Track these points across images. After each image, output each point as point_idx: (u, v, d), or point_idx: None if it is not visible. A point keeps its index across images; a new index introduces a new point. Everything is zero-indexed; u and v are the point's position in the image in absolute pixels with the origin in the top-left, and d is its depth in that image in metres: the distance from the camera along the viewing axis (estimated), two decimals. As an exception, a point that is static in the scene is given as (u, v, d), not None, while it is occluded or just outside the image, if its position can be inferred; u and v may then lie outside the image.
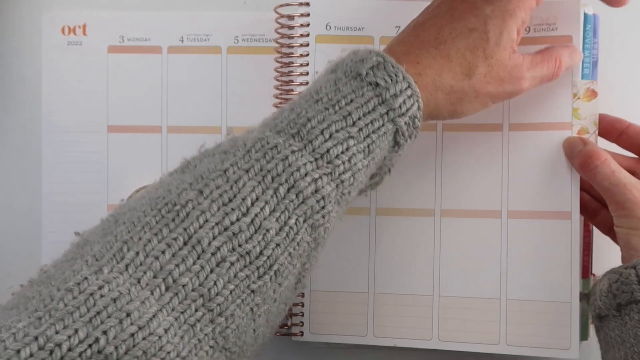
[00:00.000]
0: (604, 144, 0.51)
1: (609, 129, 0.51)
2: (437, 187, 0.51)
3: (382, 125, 0.40)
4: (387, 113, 0.40)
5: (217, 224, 0.35)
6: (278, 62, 0.54)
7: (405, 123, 0.40)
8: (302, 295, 0.53)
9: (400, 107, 0.40)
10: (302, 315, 0.53)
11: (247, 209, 0.36)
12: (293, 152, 0.38)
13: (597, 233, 0.53)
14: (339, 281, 0.52)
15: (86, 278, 0.33)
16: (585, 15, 0.51)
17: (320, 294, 0.53)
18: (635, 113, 0.55)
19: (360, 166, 0.39)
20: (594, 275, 0.52)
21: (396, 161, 0.43)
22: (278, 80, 0.54)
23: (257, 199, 0.36)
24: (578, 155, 0.47)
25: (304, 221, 0.37)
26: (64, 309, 0.32)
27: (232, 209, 0.36)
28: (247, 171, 0.37)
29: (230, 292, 0.35)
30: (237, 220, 0.36)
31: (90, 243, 0.36)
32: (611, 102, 0.54)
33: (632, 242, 0.45)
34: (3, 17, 0.58)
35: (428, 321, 0.51)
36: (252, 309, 0.37)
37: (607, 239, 0.53)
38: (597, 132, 0.50)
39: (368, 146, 0.39)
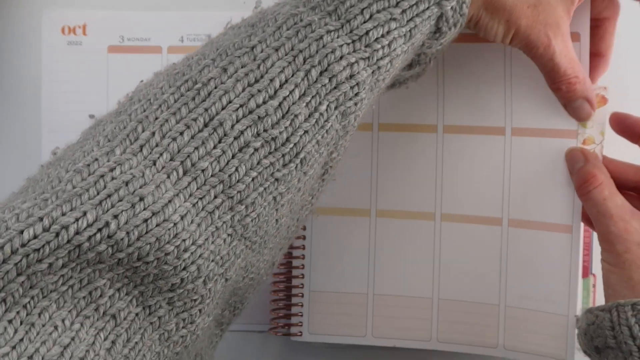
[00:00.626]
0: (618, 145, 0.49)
1: (627, 129, 0.48)
2: (437, 191, 0.50)
3: (427, 7, 0.35)
4: None
5: (241, 105, 0.33)
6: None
7: (452, 8, 0.36)
8: (302, 295, 0.53)
9: None
10: (301, 316, 0.53)
11: (275, 92, 0.33)
12: (329, 31, 0.34)
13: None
14: (338, 282, 0.52)
15: (97, 159, 0.31)
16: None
17: (319, 294, 0.53)
18: (635, 113, 0.55)
19: (400, 52, 0.36)
20: (594, 275, 0.52)
21: (437, 51, 0.40)
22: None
23: (286, 80, 0.33)
24: (576, 175, 0.44)
25: (336, 108, 0.34)
26: (72, 191, 0.30)
27: (259, 90, 0.33)
28: (276, 50, 0.34)
29: (253, 180, 0.33)
30: (264, 102, 0.33)
31: (104, 123, 0.34)
32: (611, 102, 0.54)
33: (610, 280, 0.42)
34: (3, 17, 0.58)
35: (427, 323, 0.51)
36: (274, 198, 0.34)
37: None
38: (603, 143, 0.48)
39: (410, 30, 0.35)
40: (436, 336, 0.50)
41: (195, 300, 0.33)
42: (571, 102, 0.44)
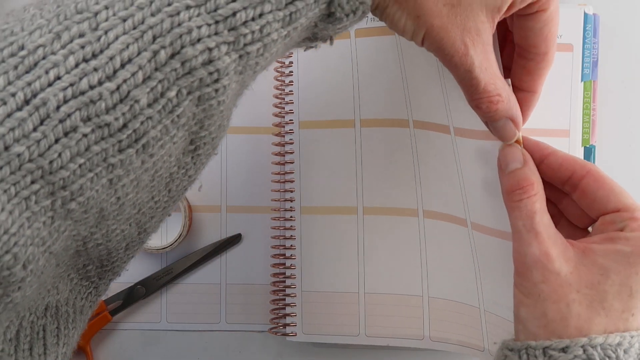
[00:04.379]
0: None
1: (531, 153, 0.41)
2: (417, 187, 0.49)
3: None
4: None
5: (71, 84, 0.28)
6: (278, 62, 0.54)
7: None
8: (295, 295, 0.53)
9: None
10: (295, 316, 0.53)
11: (114, 72, 0.29)
12: (188, 7, 0.29)
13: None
14: (330, 281, 0.52)
15: None
16: (585, 15, 0.51)
17: (312, 294, 0.52)
18: (635, 113, 0.55)
19: (276, 36, 0.31)
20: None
21: (338, 32, 0.36)
22: (278, 80, 0.54)
23: (129, 60, 0.29)
24: (509, 177, 0.38)
25: (189, 93, 0.31)
26: None
27: (95, 69, 0.28)
28: (123, 20, 0.29)
29: (80, 167, 0.29)
30: (99, 84, 0.28)
31: None
32: (611, 102, 0.54)
33: (521, 314, 0.36)
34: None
35: (419, 321, 0.50)
36: (110, 181, 0.31)
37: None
38: None
39: (290, 15, 0.31)
40: (429, 334, 0.50)
41: (13, 282, 0.30)
42: (493, 122, 0.38)
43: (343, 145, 0.51)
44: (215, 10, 0.30)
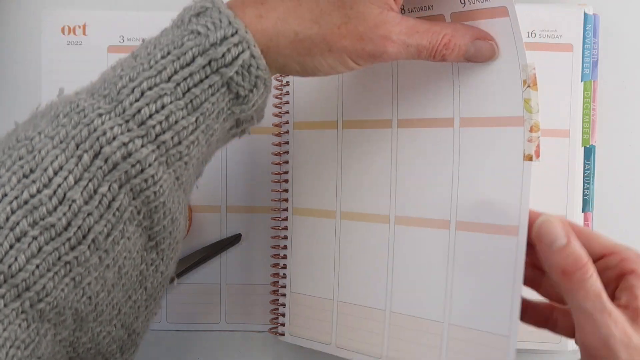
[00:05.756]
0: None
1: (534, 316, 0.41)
2: (392, 191, 0.46)
3: (206, 77, 0.36)
4: (209, 64, 0.36)
5: (16, 197, 0.33)
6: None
7: (237, 72, 0.36)
8: (284, 295, 0.53)
9: (224, 56, 0.36)
10: (284, 316, 0.53)
11: (49, 180, 0.34)
12: (100, 115, 0.35)
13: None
14: (312, 285, 0.51)
15: None
16: (585, 15, 0.51)
17: (299, 296, 0.52)
18: (635, 113, 0.55)
19: (185, 123, 0.36)
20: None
21: (259, 109, 0.40)
22: (278, 80, 0.54)
23: (60, 168, 0.34)
24: (560, 257, 0.36)
25: (120, 187, 0.35)
26: None
27: (33, 181, 0.34)
28: (52, 138, 0.35)
29: (37, 267, 0.33)
30: (38, 192, 0.34)
31: None
32: (611, 102, 0.54)
33: None
34: (3, 17, 0.58)
35: (379, 337, 0.46)
36: (73, 280, 0.35)
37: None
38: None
39: (191, 101, 0.36)
40: (386, 354, 0.46)
41: None
42: (462, 55, 0.40)
43: (328, 148, 0.50)
44: (124, 112, 0.35)
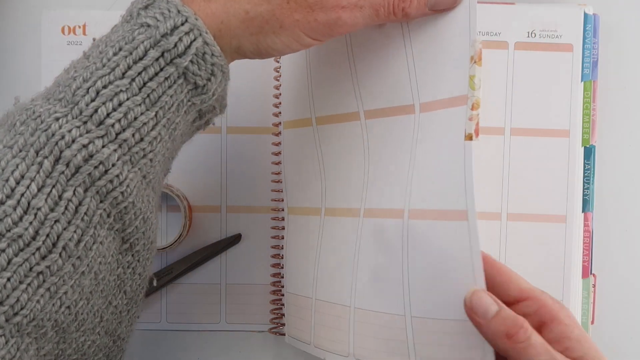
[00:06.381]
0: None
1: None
2: (364, 184, 0.45)
3: (161, 70, 0.35)
4: (162, 56, 0.35)
5: None
6: (277, 61, 0.54)
7: (192, 62, 0.36)
8: (283, 295, 0.53)
9: (176, 46, 0.35)
10: (284, 317, 0.53)
11: (12, 190, 0.33)
12: (57, 119, 0.34)
13: (597, 233, 0.53)
14: (299, 285, 0.50)
15: None
16: (585, 15, 0.51)
17: (292, 296, 0.52)
18: (635, 113, 0.55)
19: (145, 119, 0.35)
20: (594, 275, 0.52)
21: (220, 97, 0.39)
22: (277, 80, 0.54)
23: (22, 177, 0.33)
24: (497, 322, 0.35)
25: (85, 190, 0.34)
26: None
27: None
28: (11, 148, 0.34)
29: (8, 280, 0.32)
30: (1, 203, 0.33)
31: None
32: (611, 102, 0.54)
33: None
34: (3, 17, 0.58)
35: (345, 335, 0.45)
36: (48, 290, 0.34)
37: (608, 238, 0.53)
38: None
39: (148, 96, 0.35)
40: (353, 352, 0.45)
41: None
42: (424, 4, 0.39)
43: (309, 145, 0.49)
44: (80, 113, 0.34)
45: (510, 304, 0.36)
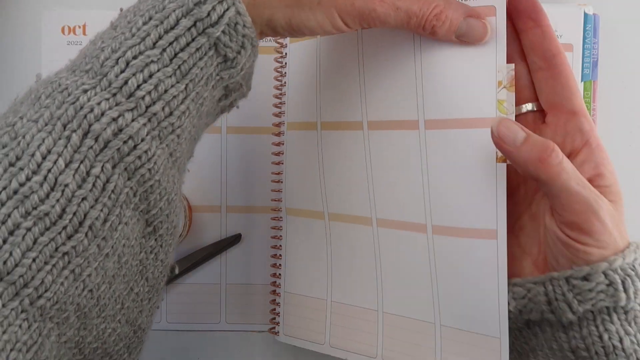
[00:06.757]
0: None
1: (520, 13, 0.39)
2: (370, 193, 0.46)
3: (192, 40, 0.34)
4: (194, 25, 0.34)
5: (4, 188, 0.31)
6: (277, 62, 0.54)
7: (224, 32, 0.34)
8: (279, 295, 0.53)
9: (209, 15, 0.34)
10: (279, 316, 0.53)
11: (38, 165, 0.31)
12: (85, 91, 0.32)
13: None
14: (305, 285, 0.51)
15: None
16: (585, 15, 0.51)
17: (292, 296, 0.52)
18: (635, 113, 0.55)
19: (175, 92, 0.34)
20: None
21: (248, 75, 0.38)
22: (277, 80, 0.54)
23: (48, 152, 0.31)
24: (527, 148, 0.36)
25: (114, 167, 0.33)
26: None
27: (21, 168, 0.31)
28: (36, 122, 0.32)
29: (34, 260, 0.31)
30: (27, 180, 0.31)
31: None
32: (611, 102, 0.54)
33: (585, 256, 0.36)
34: (3, 17, 0.58)
35: (374, 337, 0.46)
36: (73, 272, 0.33)
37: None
38: None
39: (179, 67, 0.34)
40: (381, 353, 0.46)
41: None
42: (453, 30, 0.39)
43: (311, 149, 0.50)
44: (110, 85, 0.33)
45: None
